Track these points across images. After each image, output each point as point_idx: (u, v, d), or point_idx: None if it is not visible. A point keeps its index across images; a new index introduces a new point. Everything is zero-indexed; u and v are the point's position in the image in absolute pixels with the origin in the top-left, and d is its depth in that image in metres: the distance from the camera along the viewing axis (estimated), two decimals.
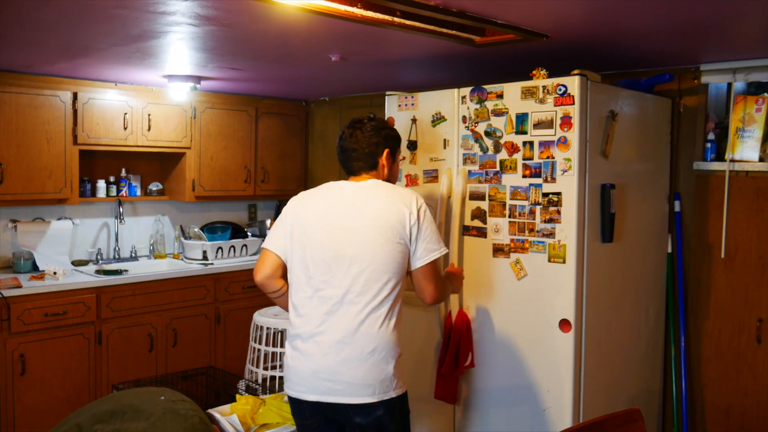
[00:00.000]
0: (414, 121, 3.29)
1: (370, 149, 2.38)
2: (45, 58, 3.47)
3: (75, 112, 4.16)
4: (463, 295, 3.14)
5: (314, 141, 5.52)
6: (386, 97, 3.40)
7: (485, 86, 3.03)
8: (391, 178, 2.46)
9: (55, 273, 4.03)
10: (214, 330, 4.63)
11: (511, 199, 2.97)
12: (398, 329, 2.30)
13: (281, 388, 3.71)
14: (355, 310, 2.22)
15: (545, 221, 2.86)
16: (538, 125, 2.87)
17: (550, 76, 2.88)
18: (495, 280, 3.03)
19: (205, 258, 4.71)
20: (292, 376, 2.32)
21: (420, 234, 2.27)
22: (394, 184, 2.44)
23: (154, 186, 4.88)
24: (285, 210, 2.41)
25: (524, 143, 2.92)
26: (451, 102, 3.16)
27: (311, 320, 2.26)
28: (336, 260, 2.24)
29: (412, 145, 3.29)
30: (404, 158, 3.31)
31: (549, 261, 2.85)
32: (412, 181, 3.30)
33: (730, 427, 3.38)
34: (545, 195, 2.86)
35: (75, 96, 4.16)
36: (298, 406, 2.36)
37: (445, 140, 3.18)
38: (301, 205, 2.37)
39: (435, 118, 3.21)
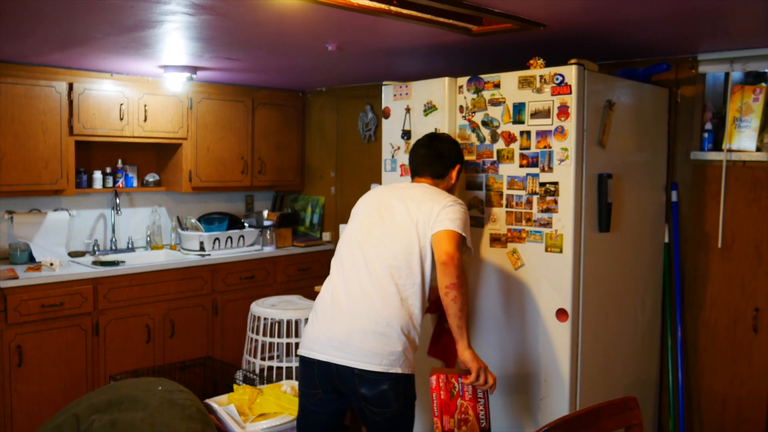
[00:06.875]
0: (408, 110, 3.28)
1: (444, 158, 2.64)
2: (40, 48, 3.45)
3: (71, 102, 4.14)
4: None
5: (311, 131, 5.51)
6: (383, 86, 3.39)
7: (482, 76, 3.02)
8: (452, 190, 2.68)
9: (51, 264, 4.02)
10: (211, 321, 4.63)
11: (508, 188, 2.97)
12: (415, 314, 2.39)
13: (279, 378, 3.72)
14: (378, 287, 2.38)
15: (542, 211, 2.86)
16: (535, 115, 2.86)
17: (547, 65, 2.87)
18: (492, 269, 3.03)
19: (202, 249, 4.71)
20: (309, 337, 2.48)
21: (442, 212, 2.40)
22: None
23: (151, 177, 4.87)
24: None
25: (521, 133, 2.91)
26: (442, 91, 3.13)
27: (337, 291, 2.45)
28: (368, 242, 2.45)
29: (406, 135, 3.28)
30: (399, 148, 3.31)
31: (546, 251, 2.85)
32: (406, 171, 3.29)
33: (726, 416, 3.39)
34: (542, 185, 2.86)
35: (71, 86, 4.14)
36: (309, 369, 2.46)
37: (436, 129, 3.15)
38: (366, 195, 2.64)
39: (426, 107, 3.20)
